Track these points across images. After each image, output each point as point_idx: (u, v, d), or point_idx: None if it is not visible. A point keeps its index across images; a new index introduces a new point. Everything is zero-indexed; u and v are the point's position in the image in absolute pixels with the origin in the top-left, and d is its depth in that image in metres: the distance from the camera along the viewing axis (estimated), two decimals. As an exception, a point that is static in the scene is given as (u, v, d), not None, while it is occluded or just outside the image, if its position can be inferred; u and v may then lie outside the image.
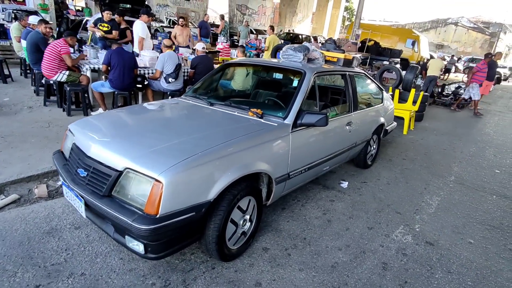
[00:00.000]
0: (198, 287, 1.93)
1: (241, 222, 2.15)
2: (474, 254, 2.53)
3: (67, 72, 4.82)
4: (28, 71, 6.50)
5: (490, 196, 3.66)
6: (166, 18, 18.60)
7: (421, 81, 8.53)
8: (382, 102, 4.10)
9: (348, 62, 3.43)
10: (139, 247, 1.71)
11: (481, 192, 3.73)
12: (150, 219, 1.62)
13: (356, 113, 3.37)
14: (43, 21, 5.40)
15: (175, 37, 7.53)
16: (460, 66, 22.71)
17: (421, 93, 6.03)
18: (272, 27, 8.75)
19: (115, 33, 6.34)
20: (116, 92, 4.79)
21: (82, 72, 5.11)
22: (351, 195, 3.34)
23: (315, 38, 17.80)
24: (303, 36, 20.86)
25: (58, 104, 4.98)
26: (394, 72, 7.45)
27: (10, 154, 3.32)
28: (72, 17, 11.95)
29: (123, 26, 6.46)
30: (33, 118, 4.43)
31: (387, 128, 4.28)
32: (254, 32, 17.03)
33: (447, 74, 17.11)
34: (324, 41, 10.27)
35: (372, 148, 4.02)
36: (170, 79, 4.97)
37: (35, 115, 4.59)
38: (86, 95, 5.02)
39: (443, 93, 11.22)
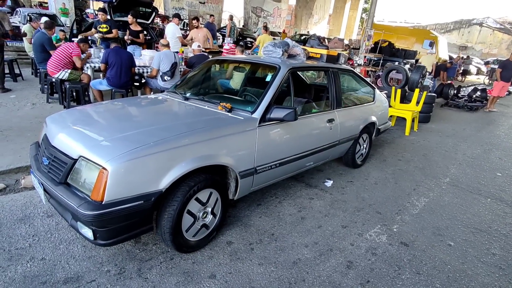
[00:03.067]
0: (152, 276, 1.95)
1: (201, 214, 2.15)
2: (450, 257, 2.41)
3: (69, 71, 5.01)
4: (38, 70, 6.82)
5: (484, 199, 3.48)
6: (181, 20, 19.00)
7: (431, 82, 8.25)
8: (373, 101, 4.00)
9: (332, 59, 3.37)
10: (88, 233, 1.74)
11: (475, 195, 3.56)
12: (95, 205, 1.65)
13: (340, 111, 3.30)
14: (53, 24, 5.63)
15: (191, 40, 7.53)
16: (484, 68, 21.82)
17: (424, 93, 5.83)
18: (265, 27, 8.94)
19: (115, 31, 6.58)
20: (113, 90, 4.93)
21: (83, 71, 5.30)
22: (333, 193, 3.27)
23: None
24: (320, 37, 20.65)
25: (60, 101, 5.18)
26: (400, 73, 7.25)
27: (4, 147, 3.49)
28: (91, 21, 12.44)
29: (136, 28, 6.68)
30: (34, 114, 4.63)
31: (379, 127, 4.16)
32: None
33: (463, 76, 16.44)
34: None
35: (362, 147, 3.92)
36: (166, 77, 5.06)
37: (36, 111, 4.79)
38: (86, 92, 5.22)
39: (458, 95, 10.82)
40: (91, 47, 5.89)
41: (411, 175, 3.95)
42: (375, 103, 4.02)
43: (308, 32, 26.10)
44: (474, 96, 10.24)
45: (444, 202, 3.32)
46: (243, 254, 2.22)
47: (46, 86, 5.39)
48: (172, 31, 6.86)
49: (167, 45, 5.24)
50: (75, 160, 1.83)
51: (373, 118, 3.92)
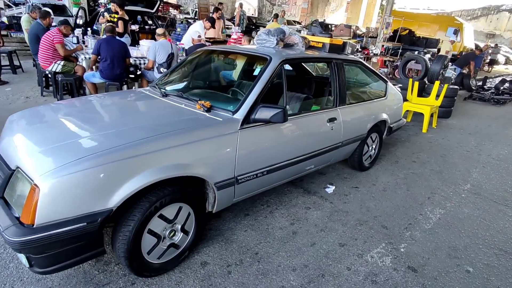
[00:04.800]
0: (106, 306, 1.67)
1: (168, 233, 1.84)
2: (468, 288, 2.02)
3: (62, 62, 4.79)
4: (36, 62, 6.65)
5: (511, 211, 3.01)
6: (192, 10, 18.64)
7: (454, 73, 7.58)
8: (384, 96, 3.55)
9: (336, 48, 2.95)
10: (23, 259, 1.47)
11: (501, 206, 3.09)
12: (24, 230, 1.37)
13: (343, 108, 2.89)
14: (47, 13, 5.41)
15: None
16: (512, 57, 20.39)
17: (445, 86, 5.27)
18: (276, 15, 8.45)
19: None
20: (107, 83, 4.68)
21: (78, 62, 5.07)
22: (333, 202, 2.89)
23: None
24: (332, 25, 19.83)
25: (54, 94, 4.98)
26: (420, 63, 6.64)
27: (-17, 144, 3.29)
28: (98, 10, 12.26)
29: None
30: (26, 108, 4.43)
31: (391, 125, 3.72)
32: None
33: (490, 66, 15.33)
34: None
35: (370, 148, 3.50)
36: (162, 69, 4.75)
37: (28, 105, 4.61)
38: (83, 85, 5.00)
39: (484, 86, 10.01)
40: (73, 29, 5.60)
41: (426, 180, 3.51)
42: (386, 98, 3.56)
43: (324, 20, 25.20)
44: (501, 88, 9.43)
45: (463, 214, 2.88)
46: (218, 279, 1.91)
47: (42, 79, 5.22)
48: (191, 29, 6.15)
49: (163, 35, 4.92)
50: (13, 171, 1.55)
51: (384, 116, 3.48)
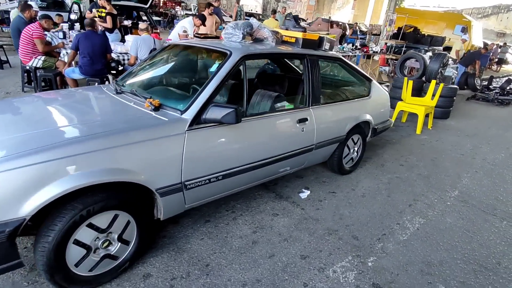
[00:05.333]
0: (26, 323, 1.53)
1: (100, 243, 1.68)
2: (436, 309, 1.82)
3: (43, 58, 4.68)
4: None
5: (499, 221, 2.79)
6: (194, 6, 18.49)
7: (455, 72, 7.27)
8: (368, 95, 3.33)
9: (311, 44, 2.75)
10: None
11: (489, 215, 2.87)
12: None
13: (317, 108, 2.70)
14: (27, 6, 5.31)
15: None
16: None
17: (440, 86, 5.01)
18: (274, 11, 8.24)
19: (108, 18, 6.11)
20: (87, 79, 4.55)
21: (60, 58, 4.96)
22: (305, 208, 2.71)
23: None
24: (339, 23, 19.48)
25: (35, 90, 4.88)
26: (418, 61, 6.37)
27: None
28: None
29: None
30: (1, 104, 4.34)
31: (376, 127, 3.50)
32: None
33: (498, 66, 14.85)
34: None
35: (351, 150, 3.30)
36: (143, 65, 4.60)
37: (5, 100, 4.51)
38: (64, 80, 4.89)
39: (490, 86, 9.65)
40: (56, 24, 5.47)
41: (410, 185, 3.29)
42: (370, 97, 3.35)
43: (330, 17, 24.83)
44: (507, 88, 9.07)
45: (445, 224, 2.67)
46: (157, 294, 1.75)
47: (25, 74, 5.12)
48: (178, 25, 5.94)
49: (146, 30, 4.77)
50: None
51: (367, 116, 3.27)
